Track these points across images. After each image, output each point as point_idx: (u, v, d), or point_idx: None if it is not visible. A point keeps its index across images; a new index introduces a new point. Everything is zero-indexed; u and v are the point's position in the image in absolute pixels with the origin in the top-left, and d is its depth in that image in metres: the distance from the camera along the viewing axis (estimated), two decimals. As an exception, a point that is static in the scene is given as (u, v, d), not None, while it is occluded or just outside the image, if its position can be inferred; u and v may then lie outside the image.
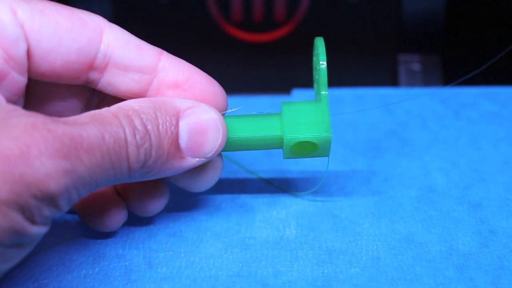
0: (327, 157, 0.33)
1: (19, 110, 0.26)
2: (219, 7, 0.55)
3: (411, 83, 0.58)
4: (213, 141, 0.31)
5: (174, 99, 0.30)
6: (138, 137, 0.28)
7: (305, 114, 0.32)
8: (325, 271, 0.32)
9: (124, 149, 0.28)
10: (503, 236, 0.34)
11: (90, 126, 0.27)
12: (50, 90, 0.32)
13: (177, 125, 0.30)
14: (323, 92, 0.32)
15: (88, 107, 0.33)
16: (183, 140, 0.30)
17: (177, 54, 0.32)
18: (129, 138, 0.28)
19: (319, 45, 0.33)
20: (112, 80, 0.31)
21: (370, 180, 0.38)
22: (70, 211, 0.35)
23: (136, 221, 0.35)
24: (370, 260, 0.33)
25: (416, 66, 0.58)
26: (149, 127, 0.29)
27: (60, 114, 0.32)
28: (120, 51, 0.31)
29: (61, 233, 0.34)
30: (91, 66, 0.30)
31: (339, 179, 0.38)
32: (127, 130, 0.28)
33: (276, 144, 0.32)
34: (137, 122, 0.28)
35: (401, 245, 0.33)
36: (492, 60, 0.36)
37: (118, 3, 0.54)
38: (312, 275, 0.32)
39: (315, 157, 0.33)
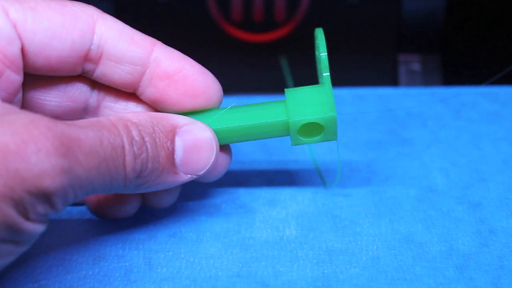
0: (336, 142, 0.33)
1: (17, 109, 0.26)
2: (219, 7, 0.54)
3: (411, 83, 0.58)
4: (206, 159, 0.31)
5: (171, 115, 0.31)
6: (135, 147, 0.29)
7: (309, 97, 0.32)
8: (325, 271, 0.32)
9: (122, 157, 0.28)
10: (503, 236, 0.34)
11: (88, 130, 0.27)
12: (47, 83, 0.32)
13: (173, 141, 0.30)
14: (325, 74, 0.33)
15: (87, 98, 0.33)
16: (178, 156, 0.31)
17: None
18: (127, 147, 0.28)
19: (319, 36, 0.33)
20: (105, 71, 0.31)
21: (370, 180, 0.38)
22: (77, 204, 0.35)
23: (136, 221, 0.35)
24: (370, 260, 0.33)
25: (416, 66, 0.58)
26: (146, 139, 0.29)
27: (59, 105, 0.32)
28: (112, 42, 0.31)
29: (61, 233, 0.34)
30: (85, 58, 0.31)
31: (339, 179, 0.38)
32: (125, 139, 0.28)
33: (282, 130, 0.32)
34: (135, 133, 0.29)
35: (401, 245, 0.33)
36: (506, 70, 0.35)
37: (118, 3, 0.54)
38: (312, 275, 0.32)
39: (323, 141, 0.33)
